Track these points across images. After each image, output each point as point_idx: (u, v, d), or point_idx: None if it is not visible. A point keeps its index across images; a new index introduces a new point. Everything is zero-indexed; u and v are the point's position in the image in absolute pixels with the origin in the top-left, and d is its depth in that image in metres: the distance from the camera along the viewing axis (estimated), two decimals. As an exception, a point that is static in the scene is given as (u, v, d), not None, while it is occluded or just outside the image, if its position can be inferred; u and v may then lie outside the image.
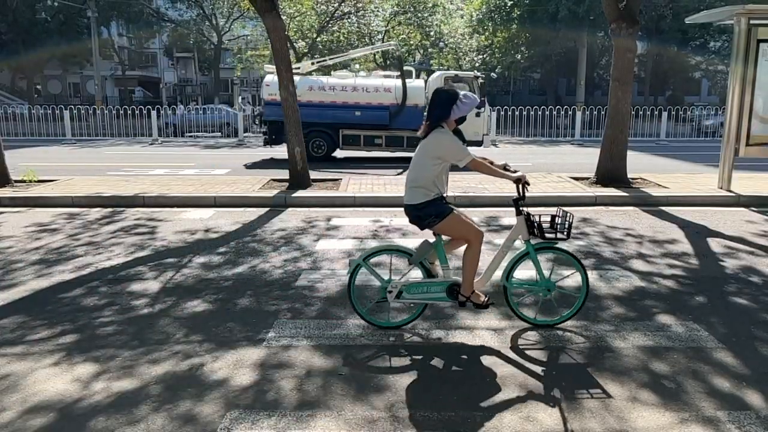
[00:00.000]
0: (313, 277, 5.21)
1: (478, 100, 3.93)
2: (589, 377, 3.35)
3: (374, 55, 36.01)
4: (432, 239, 3.97)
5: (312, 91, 14.55)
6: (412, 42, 35.16)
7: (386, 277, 4.00)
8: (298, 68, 15.68)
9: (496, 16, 33.29)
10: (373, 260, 4.08)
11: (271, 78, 14.75)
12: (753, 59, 8.75)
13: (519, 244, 4.00)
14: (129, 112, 23.62)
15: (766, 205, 8.54)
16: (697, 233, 6.88)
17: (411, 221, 3.98)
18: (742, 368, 3.46)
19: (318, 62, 17.08)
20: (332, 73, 16.91)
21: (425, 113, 3.86)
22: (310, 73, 15.82)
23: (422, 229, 3.93)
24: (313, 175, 10.10)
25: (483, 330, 4.02)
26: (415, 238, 6.58)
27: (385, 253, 4.14)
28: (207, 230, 7.05)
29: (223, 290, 4.86)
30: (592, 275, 5.22)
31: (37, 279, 5.17)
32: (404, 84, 14.36)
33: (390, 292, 3.92)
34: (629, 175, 9.90)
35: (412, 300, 3.97)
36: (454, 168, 3.80)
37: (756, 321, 4.18)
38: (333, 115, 14.48)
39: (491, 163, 3.87)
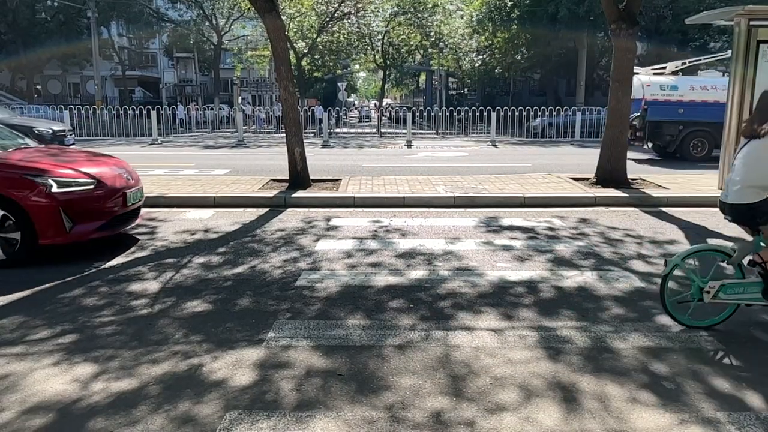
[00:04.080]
0: (313, 277, 5.21)
1: None
2: (588, 378, 3.34)
3: (374, 55, 36.00)
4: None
5: (694, 90, 14.57)
6: (411, 42, 35.10)
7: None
8: (664, 68, 15.72)
9: (496, 16, 33.26)
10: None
11: (647, 78, 14.99)
12: (753, 60, 8.75)
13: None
14: (129, 112, 23.64)
15: (766, 205, 8.52)
16: (697, 234, 6.88)
17: (736, 220, 3.92)
18: (741, 369, 3.46)
19: (691, 62, 17.07)
20: (699, 72, 16.88)
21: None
22: (675, 73, 15.81)
23: (752, 228, 3.87)
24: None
25: (483, 330, 4.02)
26: (416, 239, 6.58)
27: (704, 253, 4.10)
28: (206, 230, 7.04)
29: (223, 290, 4.86)
30: (591, 276, 5.23)
31: (36, 279, 5.17)
32: None
33: (707, 292, 3.90)
34: (629, 176, 9.90)
35: (727, 300, 3.95)
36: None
37: (755, 322, 4.18)
38: (719, 115, 14.45)
39: None
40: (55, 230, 5.51)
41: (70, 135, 17.65)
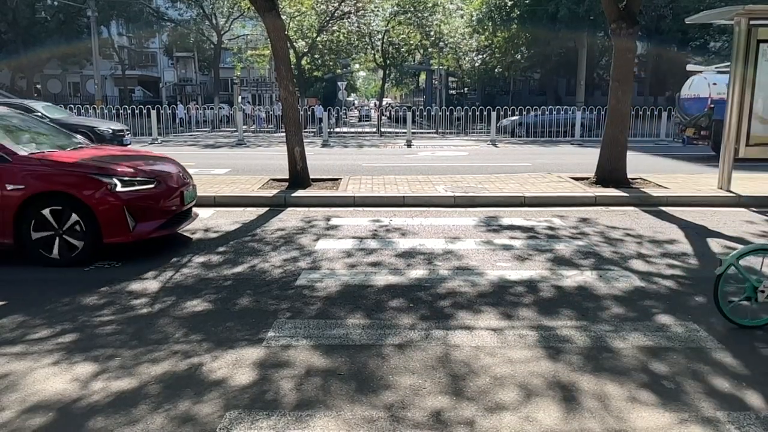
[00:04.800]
0: (313, 276, 5.21)
1: None
2: (588, 377, 3.34)
3: (374, 54, 35.99)
4: None
5: None
6: (411, 42, 35.10)
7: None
8: (728, 66, 15.59)
9: (496, 16, 33.28)
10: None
11: (713, 77, 14.90)
12: (753, 60, 8.74)
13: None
14: (129, 111, 23.63)
15: (766, 205, 8.54)
16: (697, 233, 6.88)
17: None
18: (741, 369, 3.45)
19: None
20: None
21: None
22: None
23: None
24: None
25: (482, 330, 4.02)
26: (416, 238, 6.58)
27: (760, 253, 4.12)
28: (206, 230, 7.04)
29: (223, 290, 4.86)
30: (591, 275, 5.23)
31: (35, 278, 5.17)
32: None
33: (762, 291, 3.92)
34: (629, 176, 9.90)
35: None
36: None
37: (756, 321, 4.18)
38: None
39: None
40: (120, 229, 5.54)
41: (127, 134, 17.91)
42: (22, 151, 5.66)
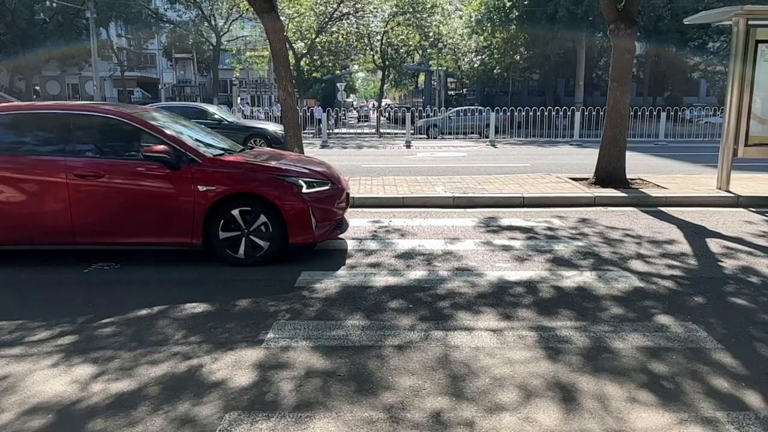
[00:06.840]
0: (312, 277, 5.20)
1: None
2: (588, 378, 3.35)
3: (373, 55, 36.00)
4: None
5: None
6: (410, 43, 35.13)
7: None
8: None
9: (495, 16, 33.30)
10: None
11: None
12: (751, 60, 8.76)
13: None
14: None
15: (765, 205, 8.55)
16: (696, 234, 6.89)
17: None
18: (741, 369, 3.46)
19: None
20: None
21: None
22: None
23: None
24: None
25: (482, 330, 4.02)
26: (415, 239, 6.58)
27: None
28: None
29: (222, 291, 4.85)
30: (590, 276, 5.23)
31: (35, 279, 5.16)
32: None
33: None
34: (628, 176, 9.91)
35: None
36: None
37: (755, 321, 4.19)
38: None
39: None
40: (305, 230, 5.58)
41: None
42: (208, 153, 5.72)
